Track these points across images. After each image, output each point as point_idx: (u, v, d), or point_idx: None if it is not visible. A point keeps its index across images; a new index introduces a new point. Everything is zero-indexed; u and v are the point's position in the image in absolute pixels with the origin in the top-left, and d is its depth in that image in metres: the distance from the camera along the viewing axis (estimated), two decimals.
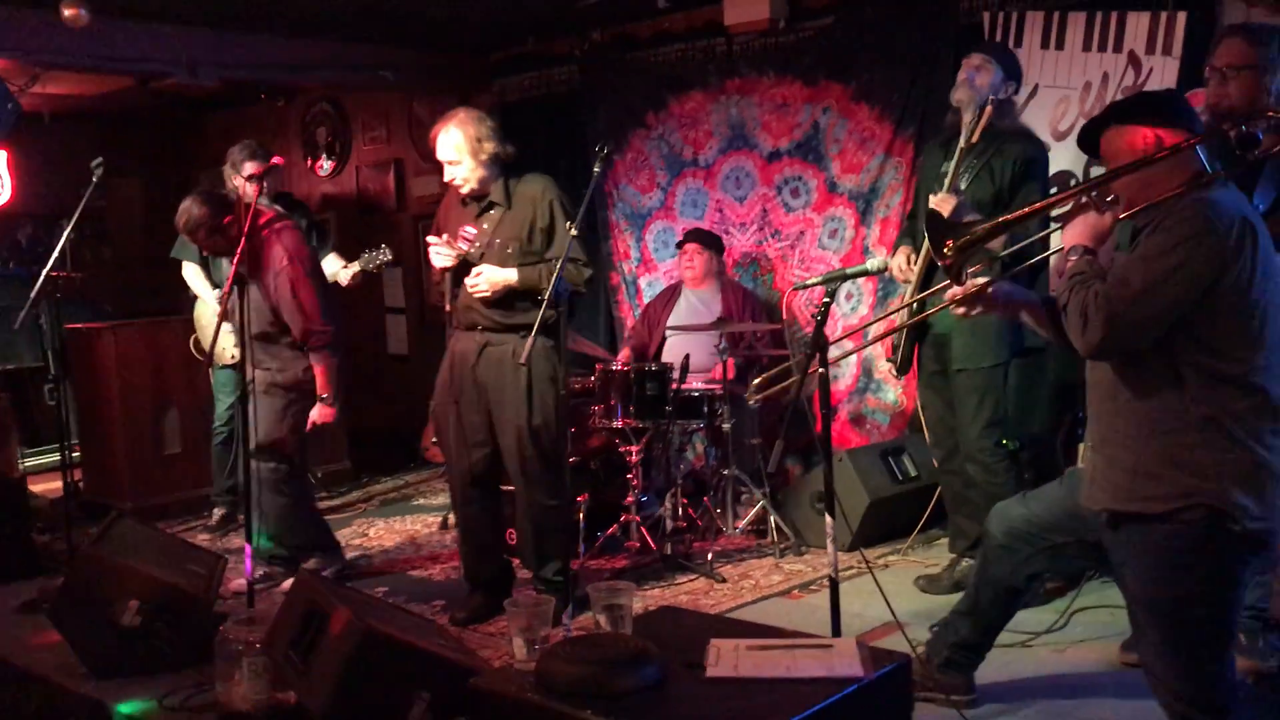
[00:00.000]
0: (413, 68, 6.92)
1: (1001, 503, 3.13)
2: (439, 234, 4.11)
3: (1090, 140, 2.71)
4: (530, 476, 4.01)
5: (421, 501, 6.33)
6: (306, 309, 4.45)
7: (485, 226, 4.06)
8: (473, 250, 4.02)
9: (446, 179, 4.07)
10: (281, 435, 4.54)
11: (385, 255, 5.55)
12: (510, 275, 3.95)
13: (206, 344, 5.47)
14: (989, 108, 3.96)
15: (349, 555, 5.18)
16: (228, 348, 5.28)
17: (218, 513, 5.80)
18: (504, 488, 4.33)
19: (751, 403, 3.24)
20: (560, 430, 4.01)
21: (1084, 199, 2.67)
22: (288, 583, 4.62)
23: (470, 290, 3.97)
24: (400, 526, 5.77)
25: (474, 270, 3.96)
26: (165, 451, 6.14)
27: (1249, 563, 2.57)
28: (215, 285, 5.55)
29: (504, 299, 3.98)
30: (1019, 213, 2.81)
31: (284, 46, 6.33)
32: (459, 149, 3.99)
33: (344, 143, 8.08)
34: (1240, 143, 3.03)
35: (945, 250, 2.77)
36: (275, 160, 4.42)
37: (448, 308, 4.08)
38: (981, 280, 2.88)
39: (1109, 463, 2.60)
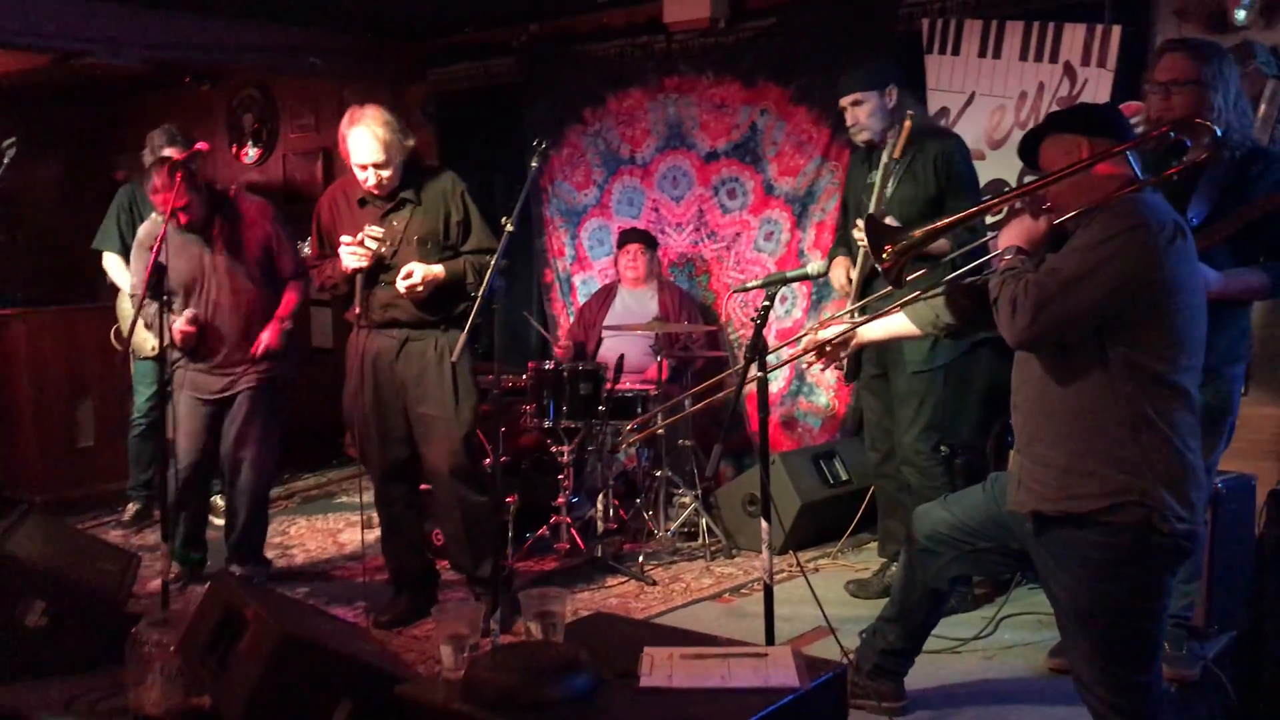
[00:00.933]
0: (344, 54, 6.77)
1: (924, 505, 3.14)
2: (329, 241, 3.98)
3: (1030, 150, 2.73)
4: (458, 474, 3.92)
5: (345, 499, 6.19)
6: (295, 246, 4.60)
7: (395, 225, 3.92)
8: (384, 249, 3.89)
9: (371, 182, 3.85)
10: (278, 435, 4.55)
11: (306, 251, 5.39)
12: (438, 270, 3.86)
13: (138, 337, 5.25)
14: (908, 122, 3.99)
15: (268, 555, 5.04)
16: (148, 339, 5.10)
17: (132, 508, 5.62)
18: (423, 486, 4.24)
19: (626, 447, 3.23)
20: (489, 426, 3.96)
21: (1018, 204, 2.69)
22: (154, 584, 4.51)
23: (404, 289, 3.83)
24: (322, 525, 5.64)
25: (404, 269, 3.83)
26: (78, 444, 5.94)
27: (1175, 571, 2.60)
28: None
29: (428, 295, 3.88)
30: (954, 218, 2.82)
31: (211, 28, 6.13)
32: (388, 148, 3.81)
33: (271, 130, 7.87)
34: (1169, 150, 3.06)
35: (884, 255, 2.78)
36: (199, 146, 4.28)
37: (356, 309, 3.94)
38: (839, 329, 3.05)
39: (1037, 462, 2.60)
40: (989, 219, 3.74)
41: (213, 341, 4.45)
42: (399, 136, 3.84)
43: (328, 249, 4.01)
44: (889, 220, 3.86)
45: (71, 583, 3.55)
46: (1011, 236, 2.65)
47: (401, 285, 3.82)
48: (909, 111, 4.04)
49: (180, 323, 4.32)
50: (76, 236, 6.02)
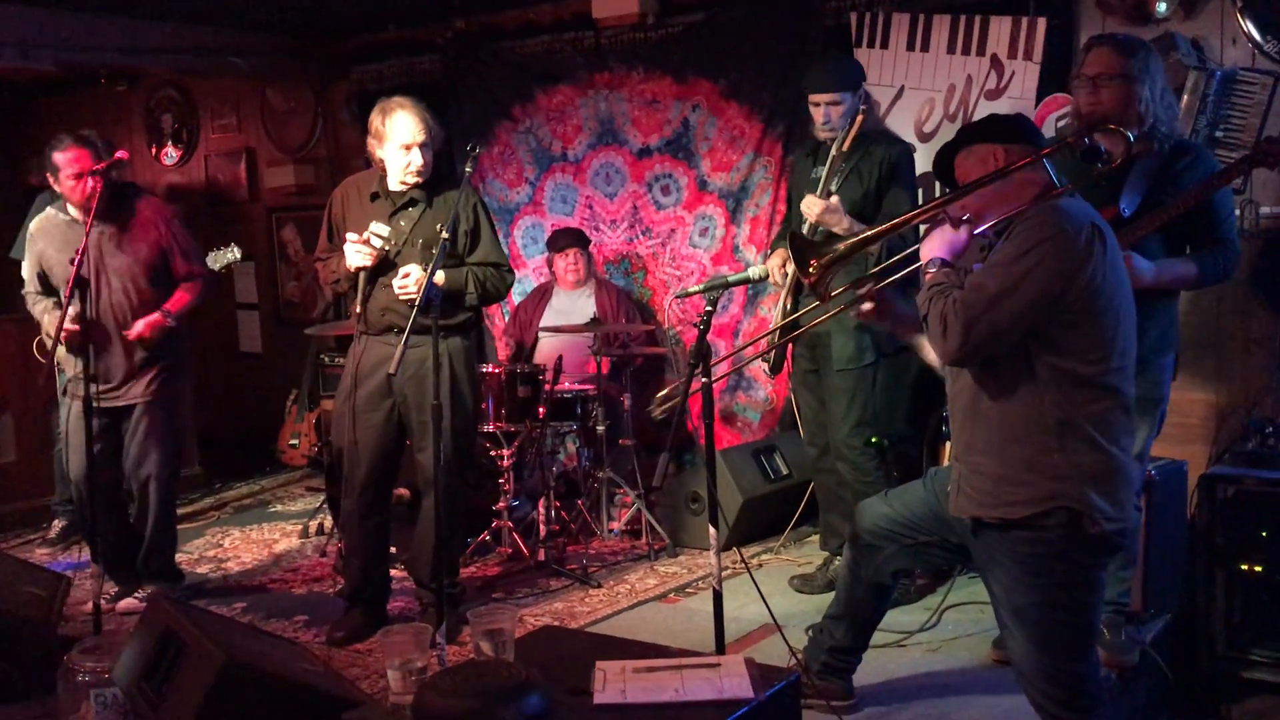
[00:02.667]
0: (265, 53, 6.61)
1: (865, 501, 3.16)
2: (339, 234, 3.90)
3: (944, 166, 2.77)
4: (450, 482, 3.84)
5: (279, 508, 6.07)
6: (193, 249, 4.43)
7: (402, 224, 3.86)
8: (388, 248, 3.82)
9: (416, 164, 3.78)
10: (181, 445, 4.40)
11: (234, 254, 5.25)
12: (438, 276, 3.77)
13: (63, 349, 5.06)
14: (860, 117, 4.01)
15: (202, 569, 4.94)
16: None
17: (58, 524, 5.46)
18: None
19: (657, 415, 3.18)
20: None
21: (940, 214, 2.71)
22: (123, 603, 4.37)
23: (398, 291, 3.76)
24: (257, 536, 5.52)
25: (401, 270, 3.76)
26: None
27: (1105, 565, 2.65)
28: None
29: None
30: (876, 230, 2.83)
31: (126, 28, 5.95)
32: (430, 129, 3.79)
33: (191, 130, 7.68)
34: (1084, 156, 3.11)
35: (810, 269, 2.79)
36: (119, 154, 4.14)
37: (356, 309, 3.86)
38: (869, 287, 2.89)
39: (973, 470, 2.65)
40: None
41: (100, 341, 4.20)
42: (436, 123, 3.85)
43: (336, 242, 3.92)
44: (838, 217, 3.88)
45: None
46: (934, 248, 2.68)
47: (395, 285, 3.75)
48: (862, 107, 4.06)
49: (66, 320, 4.14)
50: None
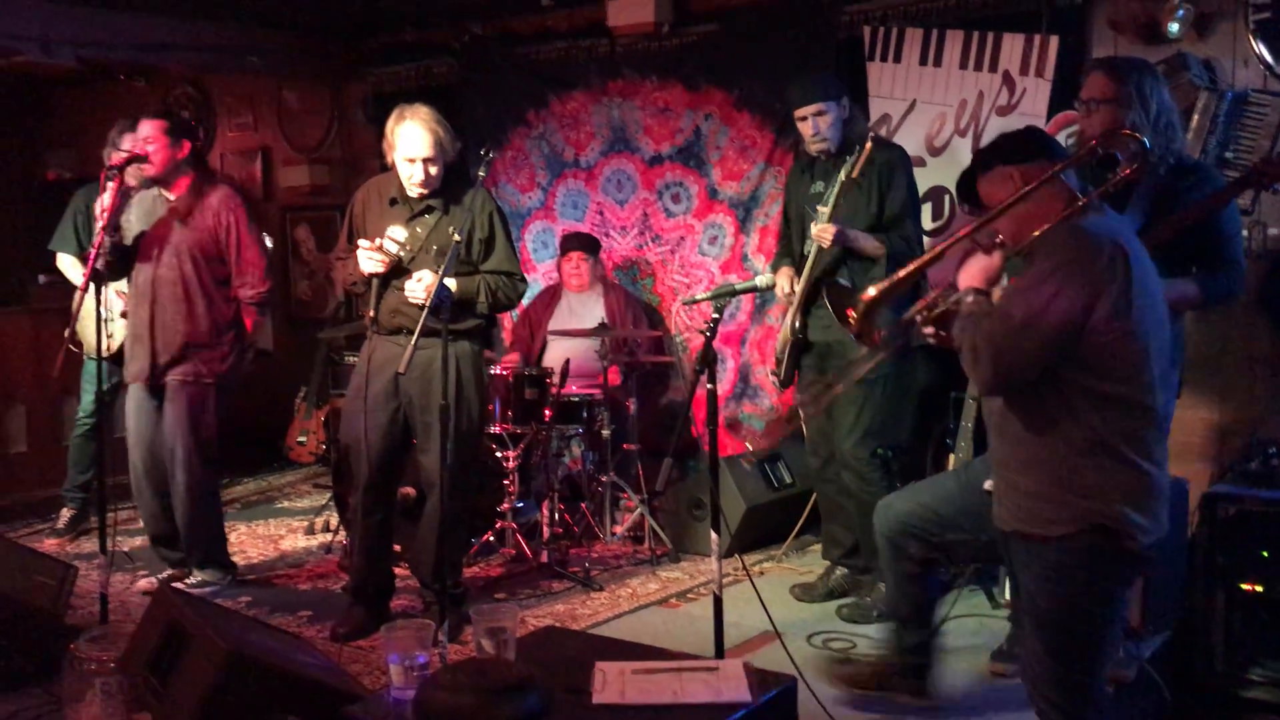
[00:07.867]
0: (282, 52, 6.66)
1: (886, 499, 3.19)
2: (359, 235, 3.96)
3: (968, 192, 2.78)
4: (453, 483, 3.85)
5: (286, 504, 6.12)
6: (258, 258, 4.44)
7: (419, 230, 3.90)
8: (403, 254, 3.87)
9: (418, 178, 3.83)
10: (212, 435, 4.42)
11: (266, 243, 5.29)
12: (449, 284, 3.80)
13: (88, 336, 5.08)
14: (869, 145, 3.99)
15: None
16: (116, 336, 4.95)
17: (66, 513, 5.48)
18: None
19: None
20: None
21: (969, 242, 2.73)
22: (142, 583, 4.42)
23: (409, 297, 3.80)
24: (264, 531, 5.56)
25: (415, 275, 3.80)
26: (9, 450, 5.78)
27: (1129, 581, 2.66)
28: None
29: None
30: (909, 269, 2.85)
31: (146, 25, 6.00)
32: (439, 143, 3.82)
33: (208, 128, 7.73)
34: (1100, 164, 3.13)
35: (850, 320, 2.82)
36: (139, 151, 4.19)
37: (370, 312, 3.91)
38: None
39: (1009, 486, 2.66)
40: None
41: (148, 308, 4.34)
42: (449, 136, 3.87)
43: (355, 243, 3.97)
44: (853, 233, 3.94)
45: (5, 597, 3.47)
46: (969, 277, 2.68)
47: (407, 289, 3.80)
48: (871, 134, 4.08)
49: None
50: (5, 238, 5.88)
